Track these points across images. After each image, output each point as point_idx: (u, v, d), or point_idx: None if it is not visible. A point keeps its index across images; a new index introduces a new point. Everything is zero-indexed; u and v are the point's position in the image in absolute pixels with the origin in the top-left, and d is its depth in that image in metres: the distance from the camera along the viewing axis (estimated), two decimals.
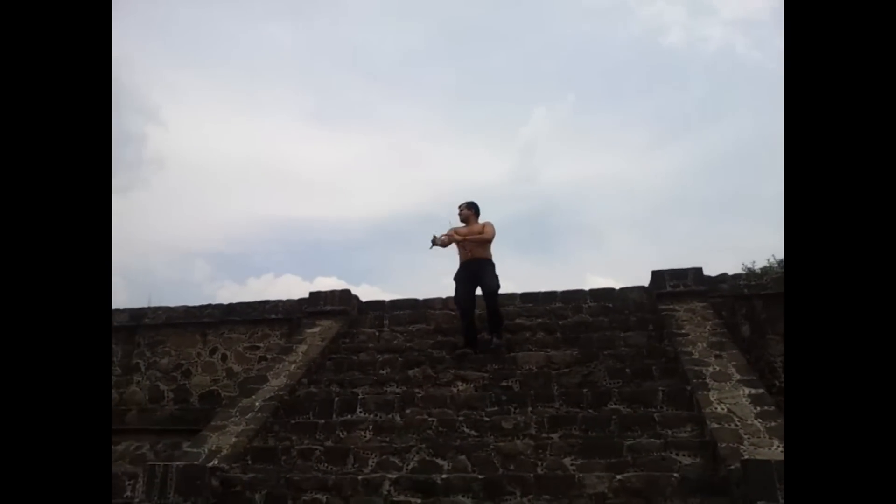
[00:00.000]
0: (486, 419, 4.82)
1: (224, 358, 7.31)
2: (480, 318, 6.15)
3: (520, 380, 5.40)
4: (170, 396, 7.25)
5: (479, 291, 5.99)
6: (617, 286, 6.93)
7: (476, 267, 5.98)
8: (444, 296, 7.21)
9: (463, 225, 6.28)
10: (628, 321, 6.18)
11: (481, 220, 6.34)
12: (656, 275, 6.49)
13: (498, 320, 6.01)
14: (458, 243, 6.13)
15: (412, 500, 4.06)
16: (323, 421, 5.14)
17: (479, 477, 4.10)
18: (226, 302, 7.59)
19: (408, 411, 5.14)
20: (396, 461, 4.53)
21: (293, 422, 5.20)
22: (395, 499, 4.08)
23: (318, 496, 4.20)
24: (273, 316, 7.36)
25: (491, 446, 4.45)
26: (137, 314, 7.66)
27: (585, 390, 5.05)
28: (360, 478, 4.25)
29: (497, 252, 6.24)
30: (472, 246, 6.05)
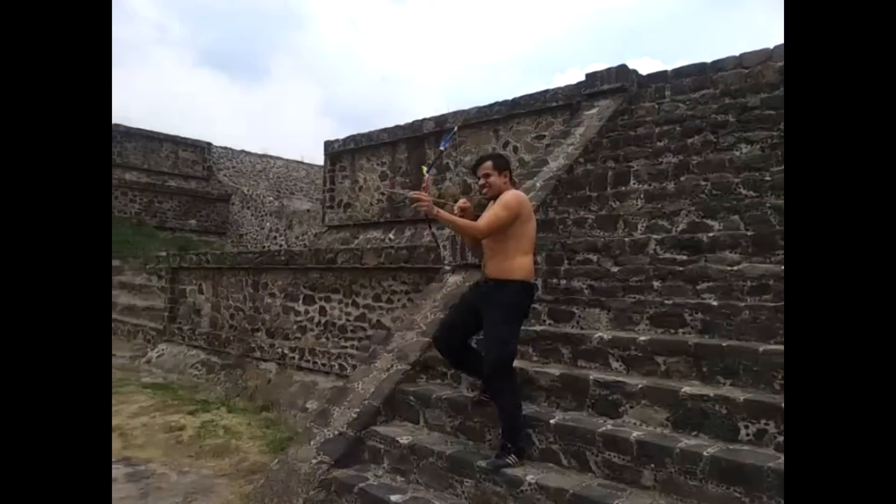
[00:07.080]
0: (769, 179, 4.42)
1: (515, 150, 7.95)
2: None
3: None
4: (476, 188, 8.32)
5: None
6: None
7: (486, 291, 3.23)
8: (737, 52, 6.39)
9: (484, 195, 3.33)
10: None
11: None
12: None
13: (502, 415, 3.10)
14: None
15: (677, 256, 4.15)
16: (596, 194, 5.39)
17: (749, 233, 3.92)
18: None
19: (682, 178, 5.02)
20: (665, 224, 4.59)
21: (569, 196, 5.58)
22: (660, 256, 4.23)
23: (590, 256, 4.60)
24: (554, 104, 7.57)
25: (768, 205, 4.13)
26: (440, 120, 8.71)
27: None
28: (627, 240, 4.48)
29: None
30: (490, 244, 3.24)
